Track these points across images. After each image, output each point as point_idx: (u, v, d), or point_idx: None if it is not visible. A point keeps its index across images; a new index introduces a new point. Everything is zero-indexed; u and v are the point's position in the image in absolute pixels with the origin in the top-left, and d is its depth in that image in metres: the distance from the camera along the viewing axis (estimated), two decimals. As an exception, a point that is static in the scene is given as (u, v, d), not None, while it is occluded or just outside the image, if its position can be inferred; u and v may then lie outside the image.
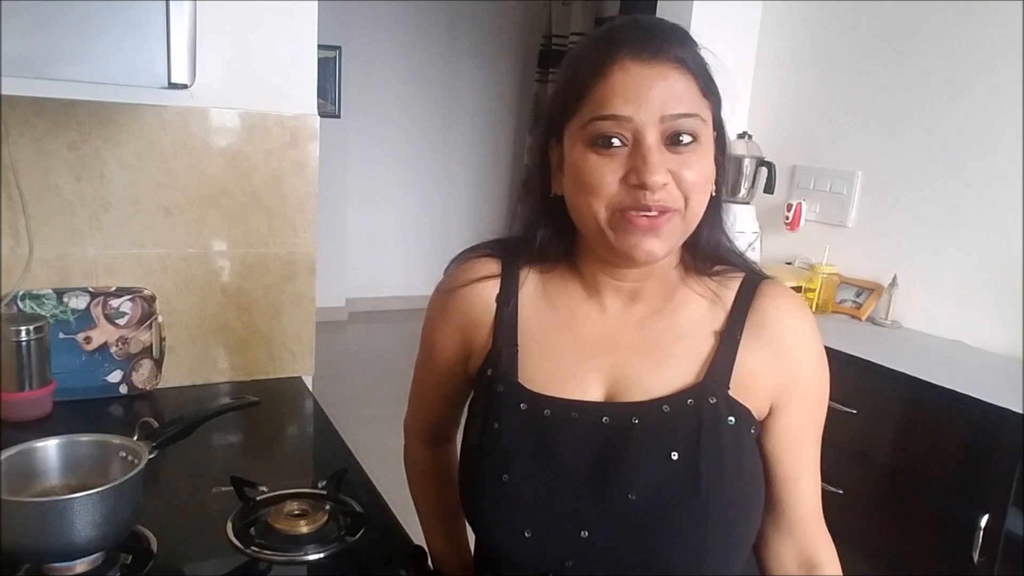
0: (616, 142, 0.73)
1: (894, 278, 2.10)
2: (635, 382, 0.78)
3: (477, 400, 0.86)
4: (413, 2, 5.29)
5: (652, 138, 0.72)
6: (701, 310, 0.81)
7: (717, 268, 0.83)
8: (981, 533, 1.50)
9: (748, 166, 2.48)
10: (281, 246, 1.63)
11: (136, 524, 0.97)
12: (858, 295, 2.19)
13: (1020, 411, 1.48)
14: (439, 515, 1.05)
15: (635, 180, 0.72)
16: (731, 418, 0.77)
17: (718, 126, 0.78)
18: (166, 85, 1.11)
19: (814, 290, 2.20)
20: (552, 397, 0.79)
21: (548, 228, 0.84)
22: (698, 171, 0.74)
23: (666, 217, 0.73)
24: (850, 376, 1.81)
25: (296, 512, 1.04)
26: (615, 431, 0.76)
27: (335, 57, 4.98)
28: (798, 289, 2.23)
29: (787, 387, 0.79)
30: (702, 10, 2.46)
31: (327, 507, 1.07)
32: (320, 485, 1.12)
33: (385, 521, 1.11)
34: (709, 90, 0.76)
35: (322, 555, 0.99)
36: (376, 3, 5.14)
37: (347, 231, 5.31)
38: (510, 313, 0.84)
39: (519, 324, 0.84)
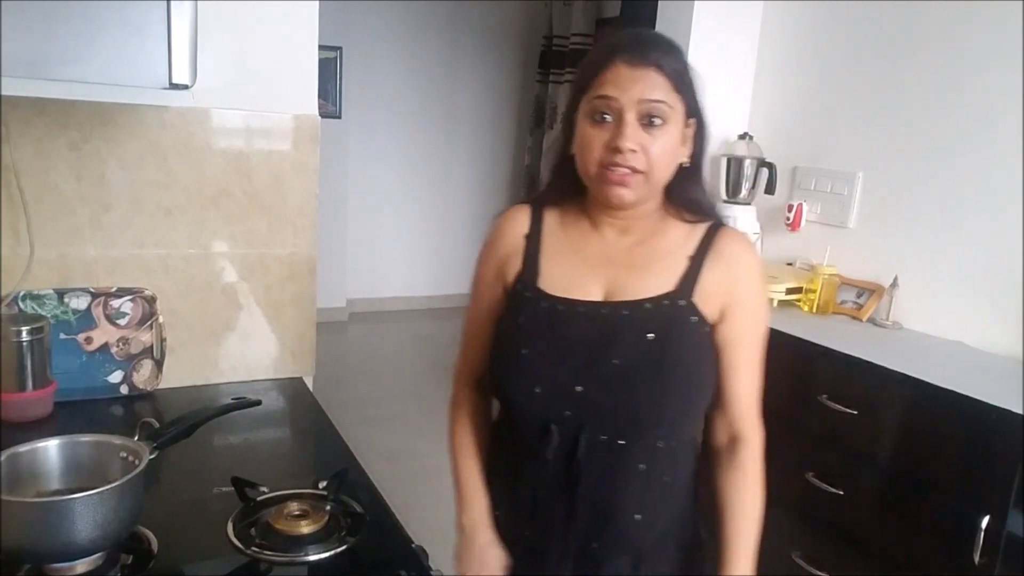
0: (607, 117, 1.00)
1: (895, 279, 2.10)
2: (626, 288, 1.05)
3: (506, 307, 1.12)
4: (413, 2, 5.29)
5: (631, 117, 0.99)
6: (677, 241, 1.08)
7: (691, 217, 1.09)
8: (982, 534, 1.50)
9: (749, 167, 2.48)
10: (281, 246, 1.63)
11: (136, 524, 0.97)
12: (859, 296, 2.19)
13: (1020, 411, 1.47)
14: (472, 452, 1.18)
15: (613, 144, 0.99)
16: (693, 317, 1.04)
17: (695, 115, 1.04)
18: (167, 85, 1.11)
19: (815, 291, 2.20)
20: (565, 298, 1.06)
21: (566, 178, 1.10)
22: (662, 147, 1.00)
23: (632, 176, 1.00)
24: (850, 376, 1.81)
25: (297, 513, 1.04)
26: (609, 318, 1.04)
27: (335, 57, 4.98)
28: (799, 290, 2.23)
29: (732, 301, 1.06)
30: (702, 10, 2.46)
31: (328, 508, 1.07)
32: (321, 486, 1.12)
33: (386, 521, 1.11)
34: (681, 89, 1.01)
35: (323, 556, 0.99)
36: (376, 3, 5.14)
37: (347, 231, 5.31)
38: (534, 242, 1.12)
39: (541, 249, 1.11)
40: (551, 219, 1.13)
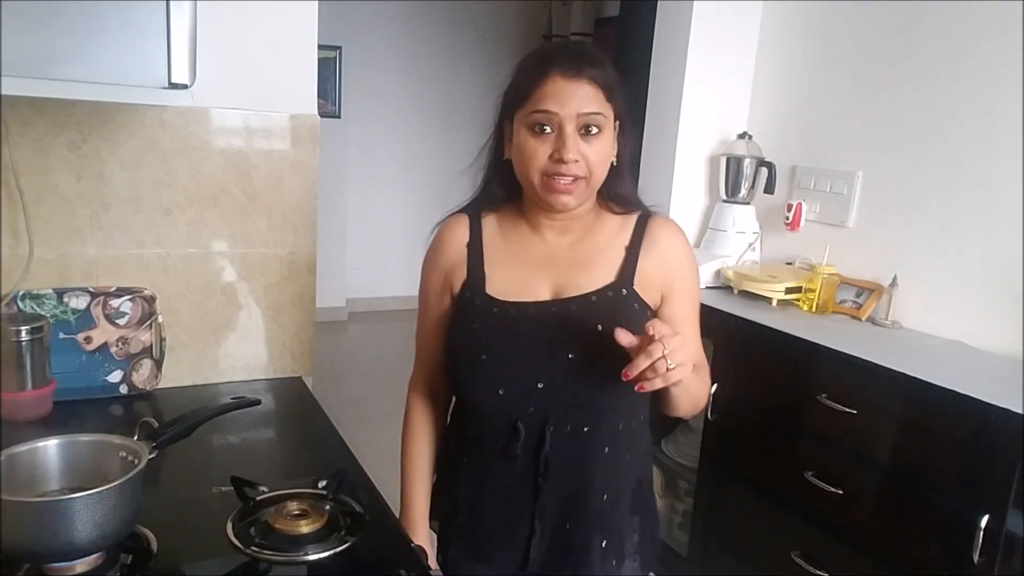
0: (547, 129, 1.06)
1: (894, 278, 2.09)
2: (571, 284, 1.11)
3: (458, 315, 1.16)
4: (413, 2, 5.29)
5: (571, 128, 1.05)
6: (612, 234, 1.15)
7: (620, 209, 1.17)
8: (981, 533, 1.50)
9: (748, 166, 2.48)
10: (281, 246, 1.63)
11: (136, 524, 0.97)
12: (858, 295, 2.19)
13: (1020, 411, 1.47)
14: (422, 461, 1.25)
15: (557, 156, 1.05)
16: (636, 304, 1.11)
17: (620, 118, 1.11)
18: (166, 85, 1.11)
19: (814, 290, 2.19)
20: (515, 301, 1.12)
21: (502, 183, 1.17)
22: (599, 153, 1.07)
23: (576, 183, 1.07)
24: (850, 376, 1.81)
25: (296, 512, 1.04)
26: (559, 315, 1.10)
27: (335, 57, 4.98)
28: (798, 289, 2.23)
29: (670, 283, 1.15)
30: (702, 10, 2.46)
31: (327, 507, 1.07)
32: (320, 485, 1.12)
33: (385, 521, 1.11)
34: (611, 97, 1.08)
35: (322, 555, 0.99)
36: (376, 3, 5.14)
37: (347, 231, 5.31)
38: (476, 250, 1.16)
39: (484, 256, 1.16)
40: (489, 226, 1.18)
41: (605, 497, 1.13)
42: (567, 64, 1.06)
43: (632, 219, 1.16)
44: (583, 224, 1.16)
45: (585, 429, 1.10)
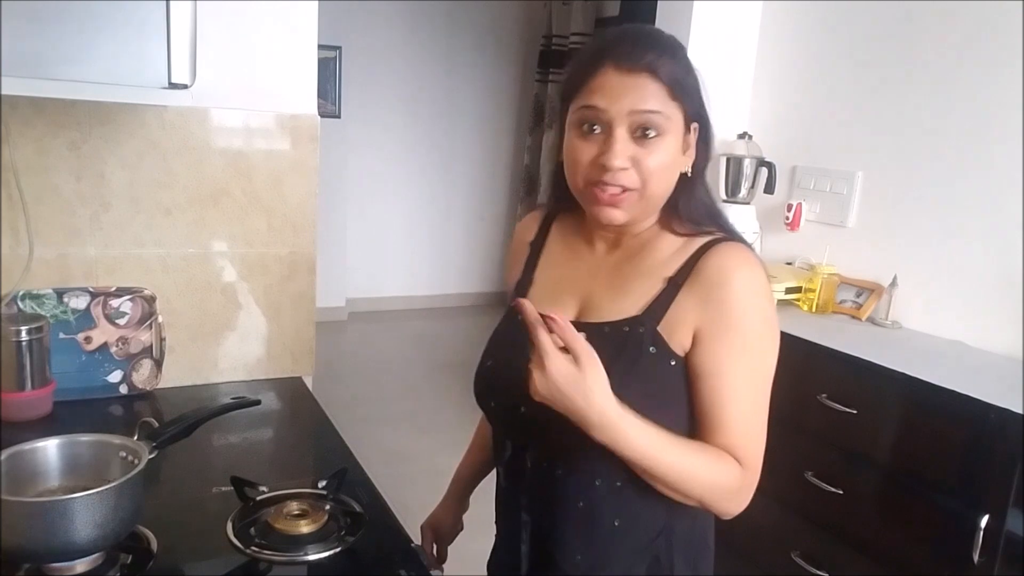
0: (596, 129, 0.91)
1: (894, 278, 2.10)
2: (596, 308, 0.98)
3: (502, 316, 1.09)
4: (413, 2, 5.29)
5: (621, 130, 0.89)
6: (663, 259, 0.96)
7: (684, 230, 0.97)
8: (981, 533, 1.50)
9: (748, 166, 2.48)
10: (281, 246, 1.63)
11: (136, 524, 0.97)
12: (858, 295, 2.19)
13: (1020, 411, 1.47)
14: (467, 462, 1.29)
15: (601, 161, 0.90)
16: (651, 348, 0.92)
17: (698, 120, 0.95)
18: (166, 85, 1.11)
19: (814, 290, 2.20)
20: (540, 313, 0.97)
21: (561, 186, 1.01)
22: (658, 160, 0.90)
23: (624, 195, 0.91)
24: (850, 376, 1.81)
25: (296, 512, 1.05)
26: None
27: (335, 57, 4.97)
28: (798, 289, 2.23)
29: (708, 324, 0.91)
30: (702, 10, 2.46)
31: (327, 507, 1.07)
32: (320, 485, 1.12)
33: (385, 521, 1.11)
34: (680, 95, 0.91)
35: (322, 555, 0.99)
36: (376, 3, 5.14)
37: (347, 231, 5.30)
38: (536, 251, 1.09)
39: (540, 257, 1.08)
40: (557, 228, 1.09)
41: (579, 558, 0.98)
42: (625, 54, 0.89)
43: (695, 244, 0.95)
44: (640, 242, 0.99)
45: (558, 473, 0.97)
